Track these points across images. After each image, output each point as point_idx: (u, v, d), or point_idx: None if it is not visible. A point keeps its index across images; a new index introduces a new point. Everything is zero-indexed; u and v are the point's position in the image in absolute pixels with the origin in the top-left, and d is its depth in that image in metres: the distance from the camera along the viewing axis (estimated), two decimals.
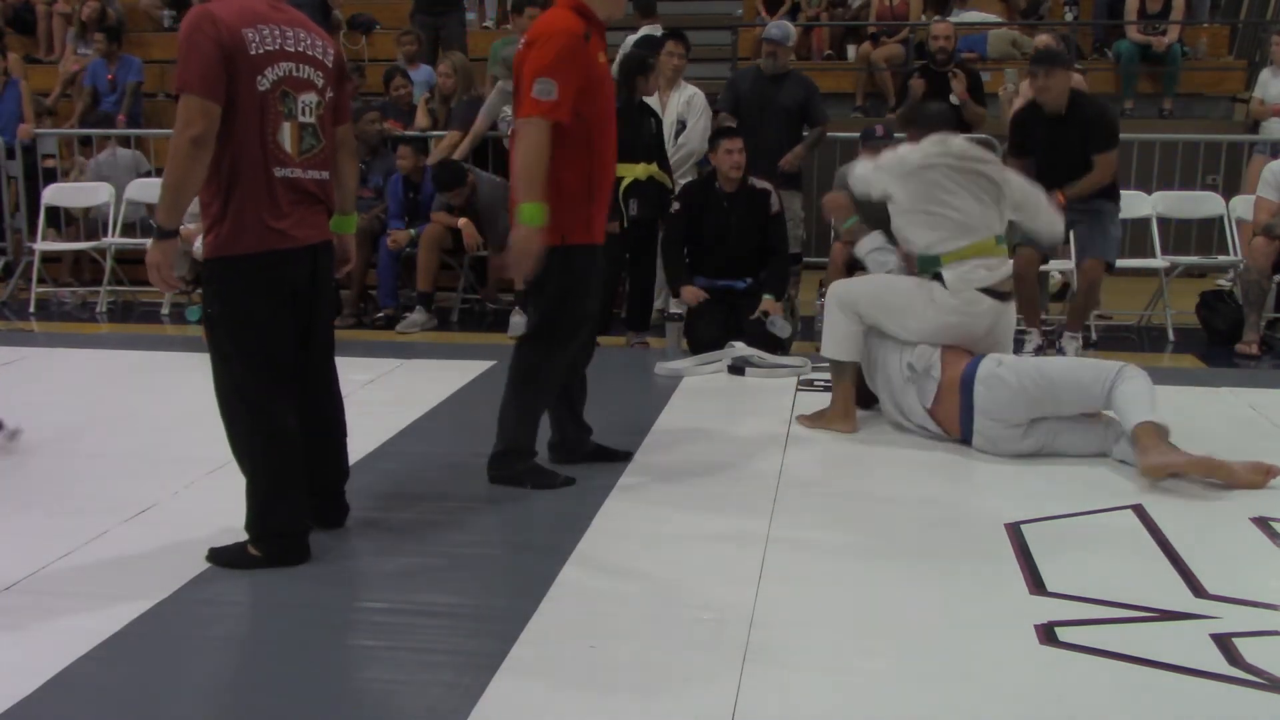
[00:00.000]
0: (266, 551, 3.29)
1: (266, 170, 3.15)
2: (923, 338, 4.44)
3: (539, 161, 3.64)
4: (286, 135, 3.19)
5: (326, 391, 3.56)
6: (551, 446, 4.25)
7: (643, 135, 6.32)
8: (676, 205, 6.31)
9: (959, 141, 4.53)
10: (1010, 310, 4.56)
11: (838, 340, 4.57)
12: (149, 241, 3.24)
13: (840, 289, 4.63)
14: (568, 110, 3.65)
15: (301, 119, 3.23)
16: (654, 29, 7.64)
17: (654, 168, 6.37)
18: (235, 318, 3.23)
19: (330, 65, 3.32)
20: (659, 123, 6.52)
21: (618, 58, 6.65)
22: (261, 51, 3.11)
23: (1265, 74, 8.48)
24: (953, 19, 9.03)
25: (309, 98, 3.24)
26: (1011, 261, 4.69)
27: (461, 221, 6.98)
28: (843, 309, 4.55)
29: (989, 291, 4.40)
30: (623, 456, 4.16)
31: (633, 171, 6.25)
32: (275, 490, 3.30)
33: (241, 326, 3.23)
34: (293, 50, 3.19)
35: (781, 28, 7.19)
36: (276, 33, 3.15)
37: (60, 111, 9.88)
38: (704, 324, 6.18)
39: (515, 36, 8.19)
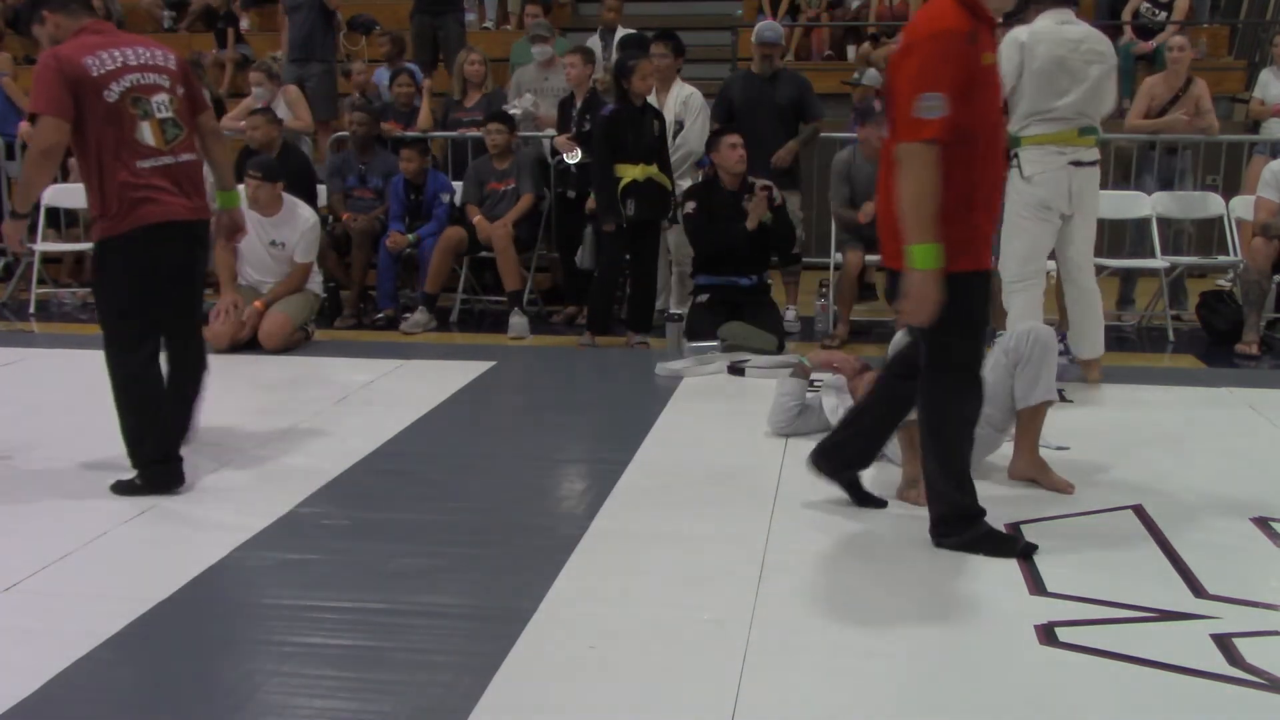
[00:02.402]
0: (145, 479, 3.92)
1: (129, 164, 3.82)
2: (1024, 236, 4.72)
3: (932, 194, 3.11)
4: (147, 131, 3.87)
5: (190, 353, 4.16)
6: (824, 449, 3.76)
7: (642, 137, 6.32)
8: (692, 205, 6.32)
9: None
10: (1093, 175, 4.74)
11: None
12: None
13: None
14: (951, 126, 3.13)
15: (159, 115, 3.91)
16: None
17: (654, 169, 6.36)
18: (114, 286, 3.91)
19: (174, 68, 4.02)
20: (664, 124, 6.51)
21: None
22: (103, 72, 3.81)
23: (1265, 74, 8.47)
24: None
25: (160, 97, 3.93)
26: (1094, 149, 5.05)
27: (477, 219, 7.00)
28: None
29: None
30: (877, 503, 3.76)
31: (630, 173, 6.26)
32: (139, 426, 3.92)
33: (118, 293, 3.91)
34: (135, 64, 3.89)
35: (773, 29, 7.20)
36: (116, 54, 3.87)
37: None
38: (706, 323, 6.19)
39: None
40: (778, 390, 4.70)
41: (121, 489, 3.92)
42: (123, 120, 3.82)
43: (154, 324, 3.98)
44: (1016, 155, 5.11)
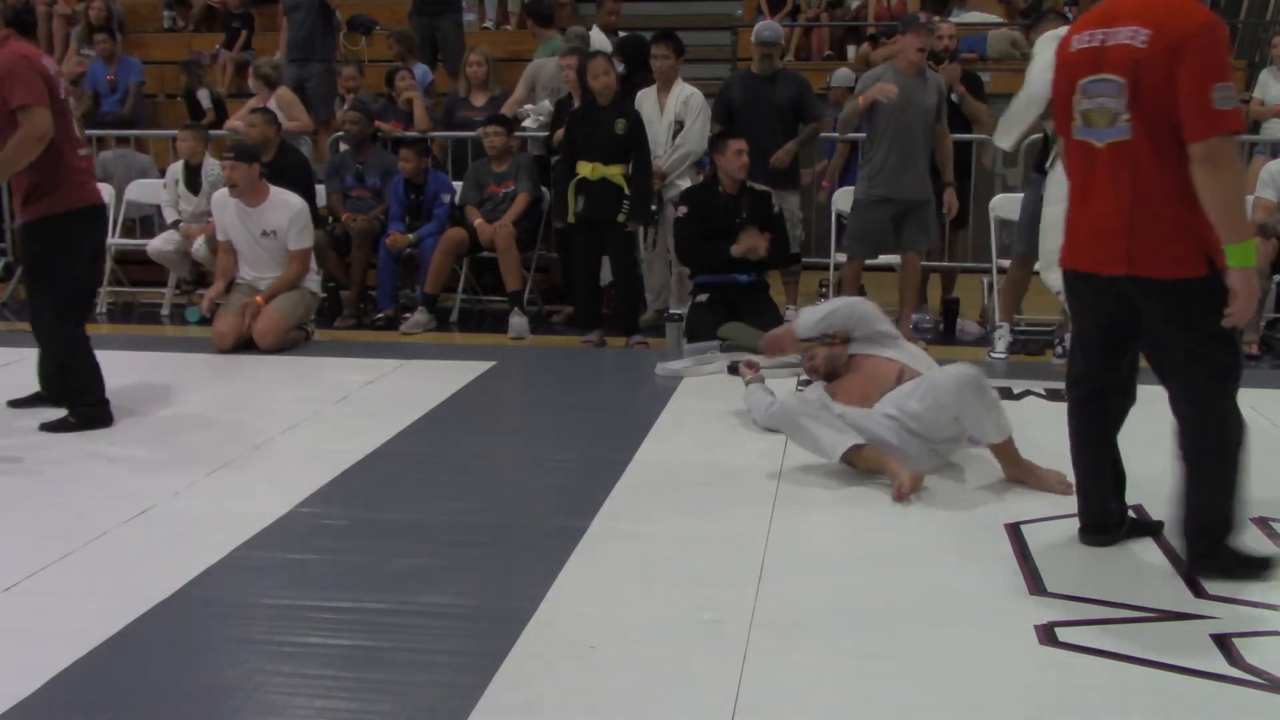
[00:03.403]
0: (81, 417, 4.67)
1: (75, 153, 4.60)
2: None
3: (1243, 188, 3.03)
4: (76, 126, 4.69)
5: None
6: (1087, 528, 3.45)
7: (597, 135, 6.33)
8: (683, 209, 6.33)
9: None
10: None
11: None
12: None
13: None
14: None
15: (77, 114, 4.77)
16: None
17: (611, 169, 6.34)
18: (69, 258, 4.58)
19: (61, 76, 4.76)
20: (635, 124, 6.46)
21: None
22: (53, 73, 4.56)
23: (1265, 75, 8.48)
24: (953, 19, 9.03)
25: (71, 100, 4.76)
26: None
27: (478, 222, 7.00)
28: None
29: None
30: (1156, 528, 3.51)
31: (582, 170, 6.32)
32: (81, 380, 4.69)
33: (75, 264, 4.60)
34: (54, 70, 4.62)
35: (772, 29, 7.19)
36: (49, 61, 4.64)
37: None
38: (706, 323, 6.19)
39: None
40: (745, 399, 4.74)
41: (54, 427, 4.62)
42: (67, 115, 4.58)
43: (91, 293, 4.89)
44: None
